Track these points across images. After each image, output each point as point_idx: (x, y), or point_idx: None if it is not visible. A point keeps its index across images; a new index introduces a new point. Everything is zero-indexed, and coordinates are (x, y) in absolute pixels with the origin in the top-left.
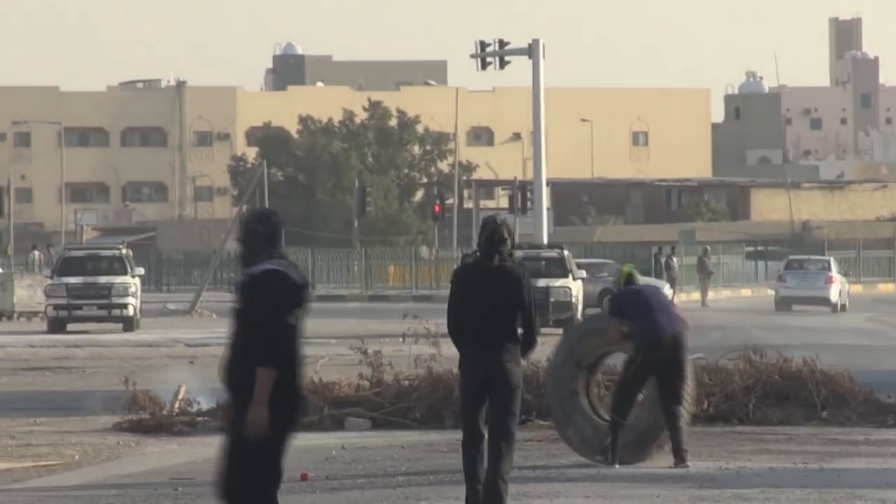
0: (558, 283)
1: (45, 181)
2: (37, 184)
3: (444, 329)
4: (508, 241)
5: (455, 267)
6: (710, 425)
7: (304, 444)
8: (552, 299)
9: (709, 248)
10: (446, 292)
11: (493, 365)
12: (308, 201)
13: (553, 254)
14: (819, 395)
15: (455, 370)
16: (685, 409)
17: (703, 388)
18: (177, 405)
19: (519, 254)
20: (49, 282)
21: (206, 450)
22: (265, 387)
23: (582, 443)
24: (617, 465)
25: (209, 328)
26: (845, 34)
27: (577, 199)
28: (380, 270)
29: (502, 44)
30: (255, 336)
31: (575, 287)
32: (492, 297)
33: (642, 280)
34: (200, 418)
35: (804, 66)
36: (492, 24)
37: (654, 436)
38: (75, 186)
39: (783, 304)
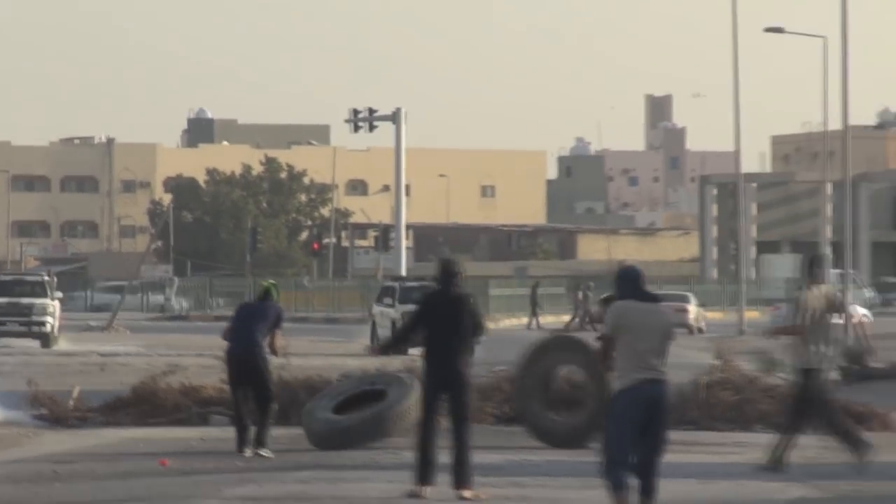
0: None
1: None
2: None
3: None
4: (458, 275)
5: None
6: (509, 425)
7: (170, 437)
8: None
9: (539, 282)
10: (320, 315)
11: (452, 370)
12: (213, 239)
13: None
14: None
15: (300, 376)
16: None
17: (504, 395)
18: (71, 403)
19: (414, 284)
20: None
21: (91, 440)
22: None
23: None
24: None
25: (121, 342)
26: (658, 108)
27: (434, 240)
28: None
29: (371, 111)
30: None
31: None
32: (452, 318)
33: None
34: (91, 414)
35: (624, 134)
36: (371, 92)
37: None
38: (22, 224)
39: None
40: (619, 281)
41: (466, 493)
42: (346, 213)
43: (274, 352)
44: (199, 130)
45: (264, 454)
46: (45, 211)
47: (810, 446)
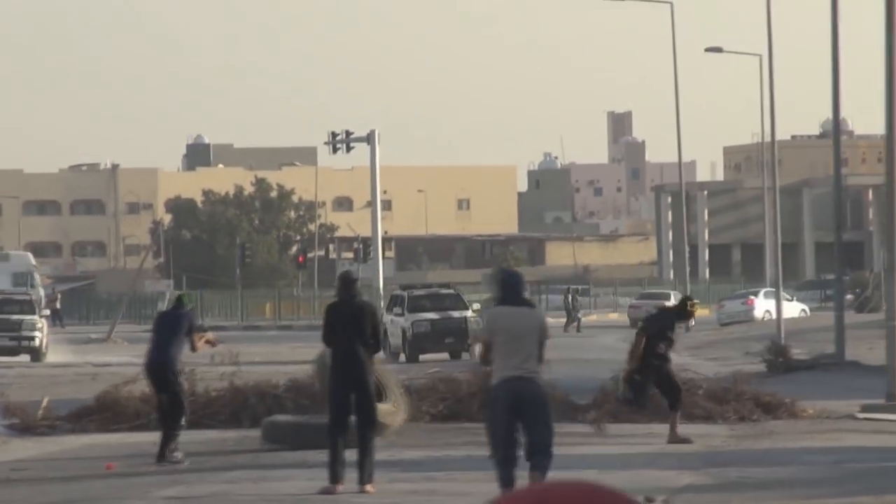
0: (469, 313)
1: (12, 241)
2: (6, 243)
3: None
4: (356, 285)
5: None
6: (444, 423)
7: (127, 442)
8: (473, 327)
9: (570, 287)
10: (305, 322)
11: (356, 372)
12: (210, 255)
13: (451, 291)
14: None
15: (251, 383)
16: (183, 418)
17: (439, 394)
18: (40, 412)
19: (422, 292)
20: None
21: (54, 447)
22: None
23: None
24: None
25: (117, 353)
26: (619, 123)
27: (414, 251)
28: (257, 306)
29: (348, 133)
30: None
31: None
32: (355, 324)
33: None
34: (59, 422)
35: (588, 148)
36: (355, 114)
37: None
38: (35, 245)
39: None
40: (499, 287)
41: (369, 488)
42: (332, 228)
43: (193, 349)
44: (197, 155)
45: (175, 459)
46: (56, 233)
47: (717, 435)
